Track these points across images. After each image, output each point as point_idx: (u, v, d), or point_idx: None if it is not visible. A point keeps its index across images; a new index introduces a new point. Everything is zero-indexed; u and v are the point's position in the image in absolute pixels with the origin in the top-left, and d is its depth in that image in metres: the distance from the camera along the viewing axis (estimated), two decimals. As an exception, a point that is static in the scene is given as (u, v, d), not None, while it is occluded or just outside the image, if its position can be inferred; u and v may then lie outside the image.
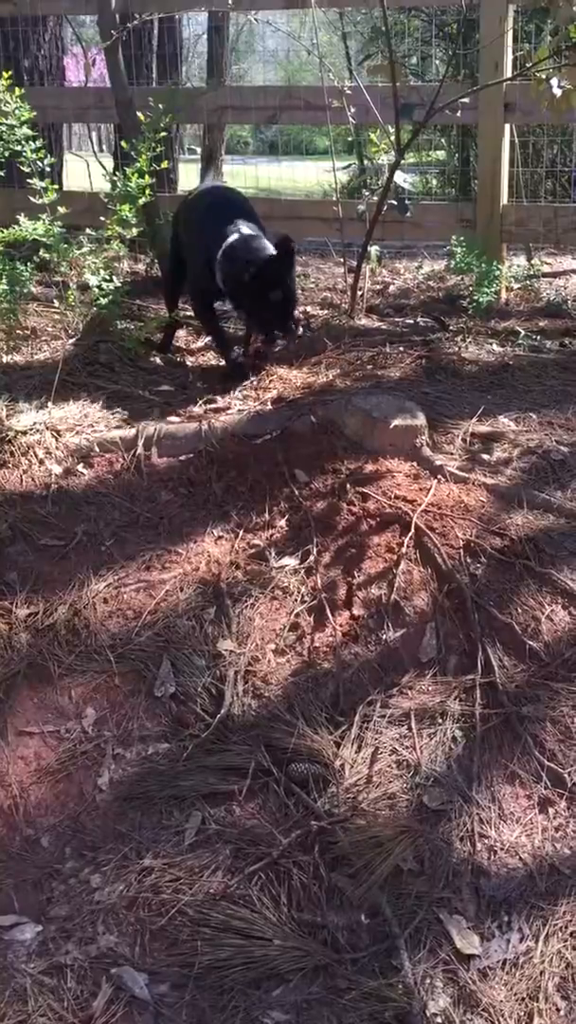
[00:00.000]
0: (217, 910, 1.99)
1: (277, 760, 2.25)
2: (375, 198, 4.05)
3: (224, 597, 2.58)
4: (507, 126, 4.38)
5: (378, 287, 4.80)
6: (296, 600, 2.58)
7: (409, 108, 3.72)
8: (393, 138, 3.82)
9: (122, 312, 3.85)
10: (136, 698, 2.40)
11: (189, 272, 3.69)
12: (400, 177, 3.84)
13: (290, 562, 2.67)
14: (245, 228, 3.41)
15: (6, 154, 3.70)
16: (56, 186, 3.73)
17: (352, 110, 4.16)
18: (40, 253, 3.72)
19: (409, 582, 2.56)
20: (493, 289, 4.17)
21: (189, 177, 9.65)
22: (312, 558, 2.66)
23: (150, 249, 4.67)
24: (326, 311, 4.35)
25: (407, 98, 3.80)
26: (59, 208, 3.66)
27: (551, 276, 4.99)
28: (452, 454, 2.96)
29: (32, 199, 3.67)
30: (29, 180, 3.66)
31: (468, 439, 3.03)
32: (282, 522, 2.79)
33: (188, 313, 3.89)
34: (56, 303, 3.92)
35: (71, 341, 3.74)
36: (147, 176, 3.69)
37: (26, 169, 3.68)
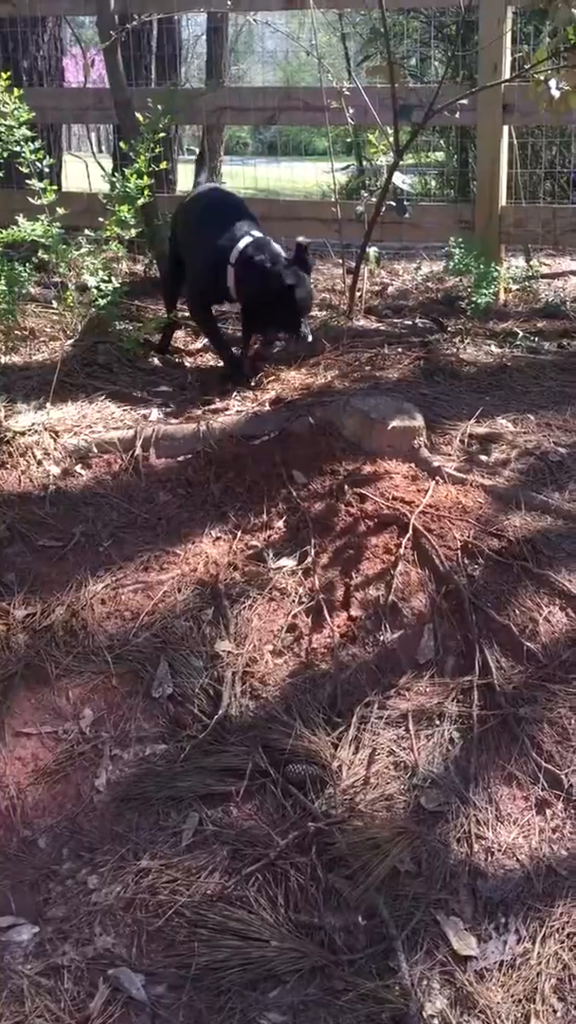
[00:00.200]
0: (214, 911, 2.00)
1: (275, 761, 2.25)
2: (374, 199, 4.05)
3: (222, 598, 2.59)
4: (506, 127, 4.38)
5: (377, 288, 4.80)
6: (294, 601, 2.58)
7: (408, 109, 3.72)
8: (392, 139, 3.82)
9: (120, 313, 3.85)
10: (134, 699, 2.40)
11: (188, 274, 3.69)
12: (399, 178, 3.84)
13: (288, 563, 2.68)
14: (255, 231, 3.41)
15: (5, 155, 3.70)
16: (55, 187, 3.73)
17: (351, 111, 4.16)
18: (39, 254, 3.71)
19: (407, 583, 2.56)
20: (491, 290, 4.17)
21: (188, 178, 9.64)
22: (310, 559, 2.66)
23: (149, 250, 4.66)
24: (324, 312, 4.35)
25: (406, 99, 3.80)
26: (58, 209, 3.66)
27: (550, 277, 4.98)
28: (450, 455, 2.96)
29: (31, 200, 3.66)
30: (28, 181, 3.66)
31: (466, 440, 3.03)
32: (280, 523, 2.79)
33: (187, 314, 3.89)
34: (55, 304, 3.92)
35: (69, 342, 3.74)
36: (146, 177, 3.69)
37: (25, 170, 3.67)
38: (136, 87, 5.15)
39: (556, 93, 3.26)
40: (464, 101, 3.85)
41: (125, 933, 1.99)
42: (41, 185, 3.63)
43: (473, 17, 4.31)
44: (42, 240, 3.63)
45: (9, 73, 3.69)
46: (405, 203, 3.92)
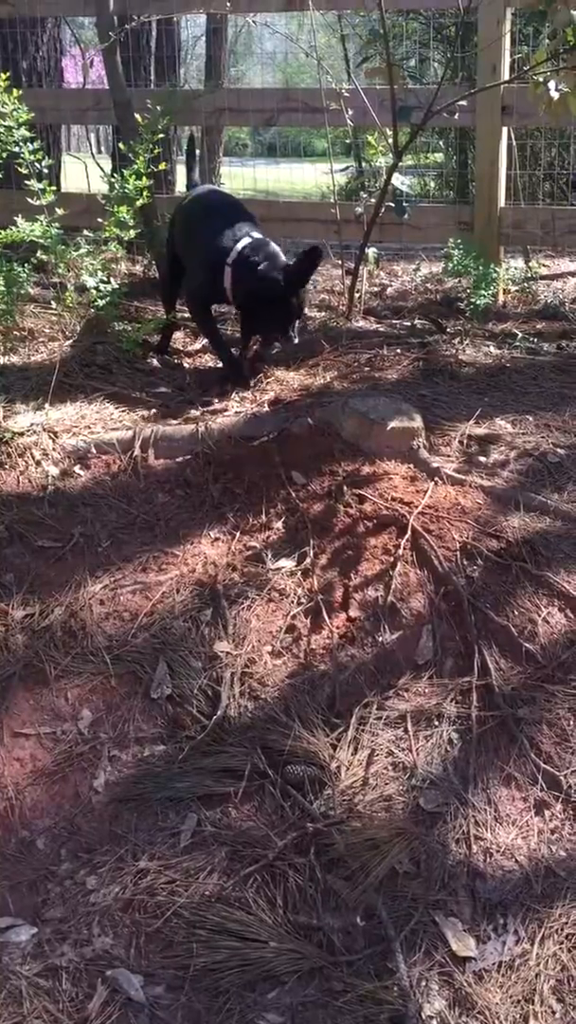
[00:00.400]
0: (212, 912, 1.99)
1: (273, 762, 2.25)
2: (373, 200, 4.05)
3: (221, 599, 2.58)
4: (505, 129, 4.39)
5: (376, 289, 4.80)
6: (292, 602, 2.58)
7: (407, 110, 3.73)
8: (391, 140, 3.83)
9: (119, 313, 3.85)
10: (132, 700, 2.40)
11: (187, 275, 3.69)
12: (398, 179, 3.85)
13: (287, 564, 2.67)
14: (255, 232, 3.42)
15: (4, 155, 3.70)
16: (54, 187, 3.72)
17: (350, 112, 4.17)
18: (38, 254, 3.71)
19: (406, 584, 2.56)
20: (490, 291, 4.17)
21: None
22: (309, 560, 2.66)
23: (148, 250, 4.67)
24: (324, 313, 4.35)
25: (405, 100, 3.80)
26: (57, 209, 3.66)
27: (549, 278, 4.99)
28: (449, 456, 2.96)
29: (30, 200, 3.66)
30: (27, 181, 3.66)
31: (465, 441, 3.03)
32: (279, 524, 2.79)
33: (186, 315, 3.89)
34: (53, 304, 3.92)
35: (68, 342, 3.74)
36: (145, 178, 3.69)
37: (24, 170, 3.67)
38: (135, 88, 5.15)
39: (555, 95, 3.27)
40: (463, 102, 3.85)
41: (124, 934, 1.99)
42: (40, 186, 3.63)
43: (472, 18, 4.31)
44: (41, 241, 3.63)
45: (8, 73, 3.69)
46: (404, 204, 3.92)
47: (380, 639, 2.48)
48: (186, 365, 3.80)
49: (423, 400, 3.21)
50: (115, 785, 2.25)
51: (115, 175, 3.84)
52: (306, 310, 4.32)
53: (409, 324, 4.15)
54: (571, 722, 2.29)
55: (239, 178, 9.19)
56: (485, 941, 1.96)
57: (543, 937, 1.95)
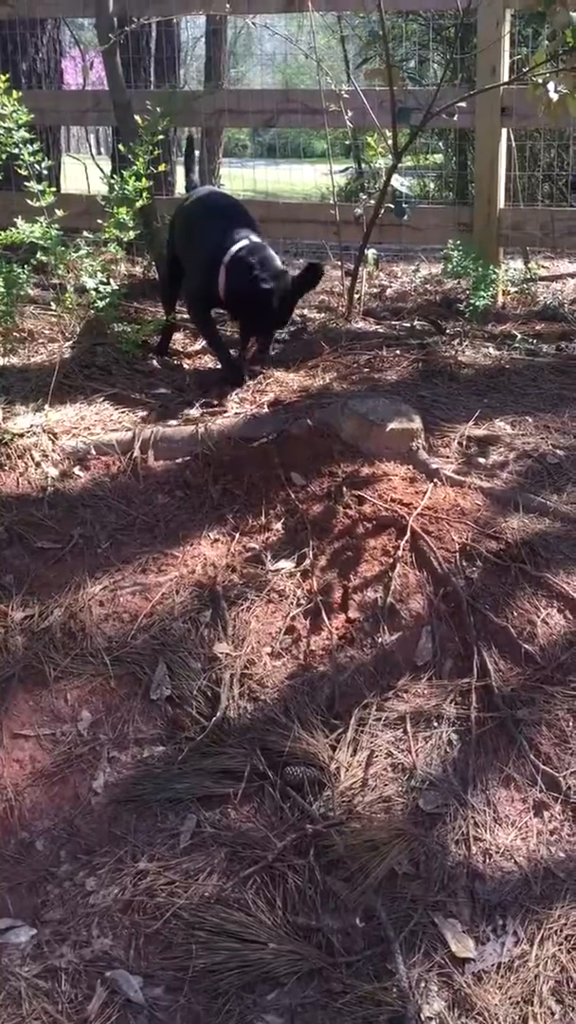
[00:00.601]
0: (212, 913, 1.99)
1: (273, 763, 2.25)
2: (372, 201, 4.06)
3: (220, 600, 2.59)
4: (504, 130, 4.39)
5: (375, 290, 4.80)
6: (292, 603, 2.58)
7: (406, 112, 3.73)
8: (390, 142, 3.83)
9: (119, 315, 3.85)
10: (132, 701, 2.40)
11: (186, 276, 3.69)
12: (397, 181, 3.85)
13: (286, 565, 2.67)
14: (253, 236, 3.42)
15: (4, 156, 3.70)
16: (53, 189, 3.72)
17: (350, 114, 4.17)
18: (37, 255, 3.71)
19: (405, 585, 2.56)
20: (490, 293, 4.18)
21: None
22: (308, 561, 2.66)
23: (147, 252, 4.67)
24: (323, 314, 4.36)
25: (404, 102, 3.81)
26: (56, 211, 3.66)
27: (548, 280, 4.99)
28: (448, 457, 2.96)
29: (29, 202, 3.66)
30: (27, 183, 3.66)
31: (464, 442, 3.03)
32: (278, 525, 2.79)
33: (185, 316, 3.89)
34: (53, 305, 3.92)
35: (68, 344, 3.74)
36: (144, 179, 3.69)
37: (24, 172, 3.67)
38: (135, 89, 5.15)
39: (554, 96, 3.27)
40: (463, 104, 3.85)
41: (123, 935, 1.99)
42: (40, 187, 3.63)
43: (471, 20, 4.31)
44: (41, 242, 3.63)
45: (8, 75, 3.69)
46: (404, 205, 3.92)
47: (379, 640, 2.48)
48: (186, 366, 3.80)
49: (422, 401, 3.21)
50: (114, 786, 2.25)
51: (115, 176, 3.85)
52: (305, 311, 4.34)
53: (408, 325, 4.16)
54: (570, 723, 2.30)
55: (239, 179, 9.19)
56: (484, 942, 1.96)
57: (542, 938, 1.95)
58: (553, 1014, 1.84)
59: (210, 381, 3.52)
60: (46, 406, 3.22)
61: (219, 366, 3.61)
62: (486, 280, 4.16)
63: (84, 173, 5.31)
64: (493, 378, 3.51)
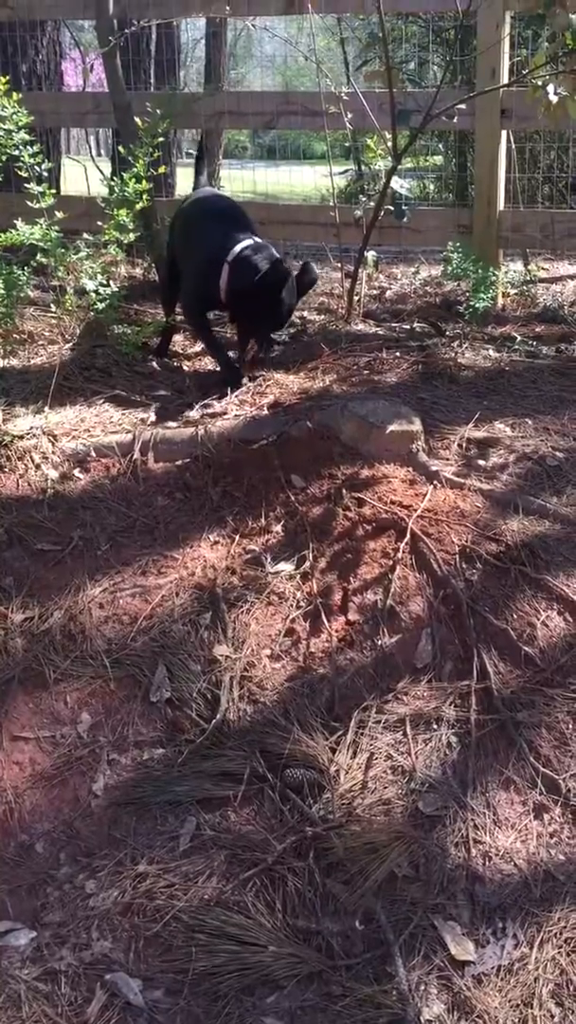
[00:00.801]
0: (212, 916, 1.99)
1: (272, 766, 2.25)
2: (372, 203, 4.06)
3: (220, 602, 2.58)
4: (504, 132, 4.39)
5: (375, 292, 4.81)
6: (292, 605, 2.58)
7: (406, 114, 3.73)
8: (390, 144, 3.83)
9: (119, 316, 3.85)
10: (131, 703, 2.40)
11: (184, 279, 3.70)
12: (397, 183, 3.85)
13: (286, 567, 2.67)
14: (251, 239, 3.43)
15: (4, 158, 3.70)
16: (53, 190, 3.73)
17: (349, 115, 4.17)
18: (37, 257, 3.72)
19: (405, 587, 2.56)
20: (490, 295, 4.18)
21: (187, 181, 9.65)
22: (308, 563, 2.66)
23: (147, 253, 4.67)
24: (323, 316, 4.36)
25: (404, 104, 3.81)
26: (56, 212, 3.66)
27: (548, 282, 5.00)
28: (448, 459, 2.96)
29: (29, 203, 3.67)
30: (27, 185, 3.67)
31: (464, 444, 3.03)
32: (278, 527, 2.79)
33: (186, 317, 3.90)
34: (53, 307, 3.92)
35: (68, 345, 3.74)
36: (144, 181, 3.70)
37: (24, 174, 3.68)
38: (135, 91, 5.16)
39: (554, 98, 3.27)
40: (462, 106, 3.85)
41: (123, 938, 1.99)
42: (40, 189, 3.63)
43: (471, 22, 4.31)
44: (41, 244, 3.63)
45: (8, 77, 3.70)
46: (403, 207, 3.92)
47: (379, 643, 2.48)
48: (186, 368, 3.80)
49: (422, 403, 3.21)
50: (114, 789, 2.25)
51: (115, 178, 3.85)
52: (305, 313, 4.34)
53: (408, 327, 4.16)
54: (570, 726, 2.30)
55: (239, 181, 9.19)
56: (484, 945, 1.96)
57: (542, 941, 1.95)
58: (553, 1017, 1.84)
59: (210, 383, 3.52)
60: (46, 408, 3.22)
61: (218, 368, 3.61)
62: (486, 282, 4.16)
63: (84, 175, 5.32)
64: (493, 380, 3.51)
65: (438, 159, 8.33)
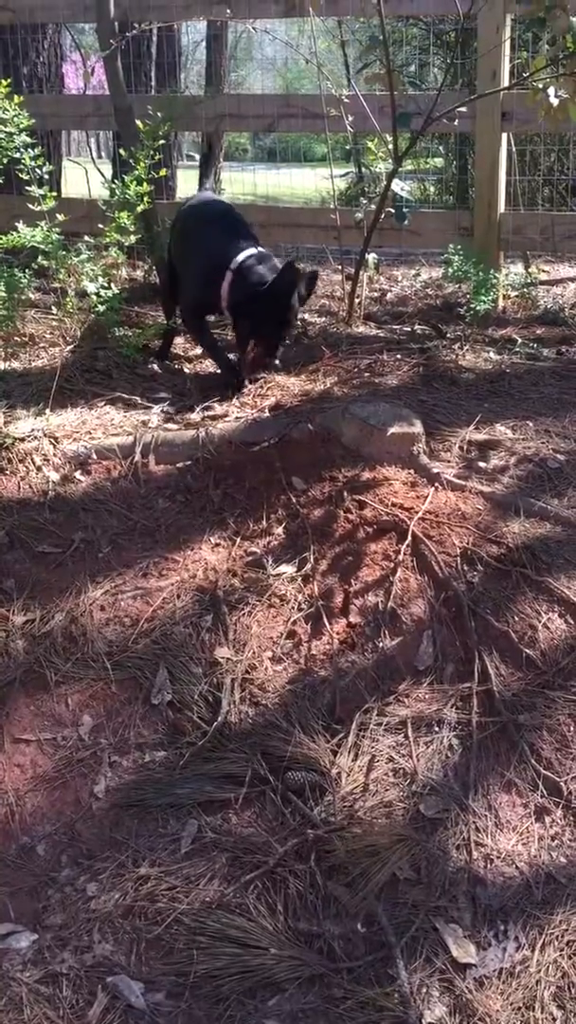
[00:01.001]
0: (213, 919, 1.99)
1: (274, 768, 2.25)
2: (373, 206, 4.06)
3: (221, 605, 2.59)
4: (504, 135, 4.39)
5: (376, 294, 4.81)
6: (293, 608, 2.58)
7: (406, 117, 3.73)
8: (391, 146, 3.83)
9: (120, 319, 3.85)
10: (133, 706, 2.40)
11: (182, 285, 3.70)
12: (398, 185, 3.85)
13: (287, 570, 2.68)
14: (256, 247, 3.43)
15: (5, 161, 3.70)
16: (54, 193, 3.73)
17: (350, 118, 4.18)
18: (38, 260, 3.72)
19: (406, 590, 2.56)
20: (490, 297, 4.18)
21: (188, 184, 9.66)
22: (309, 566, 2.66)
23: (148, 256, 4.68)
24: (324, 318, 4.36)
25: (404, 107, 3.81)
26: (57, 215, 3.66)
27: (548, 284, 5.00)
28: (449, 462, 2.96)
29: (31, 206, 3.67)
30: (28, 187, 3.67)
31: (465, 447, 3.03)
32: (279, 529, 2.79)
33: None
34: (54, 310, 3.92)
35: (69, 348, 3.74)
36: (145, 183, 3.70)
37: (25, 176, 3.68)
38: (136, 94, 5.16)
39: (554, 101, 3.28)
40: (463, 108, 3.86)
41: (124, 940, 1.99)
42: (41, 192, 3.64)
43: (472, 24, 4.32)
44: (42, 246, 3.63)
45: (9, 80, 3.70)
46: (404, 210, 3.92)
47: (380, 645, 2.48)
48: (187, 371, 3.80)
49: (423, 406, 3.21)
50: (116, 791, 2.25)
51: (116, 181, 3.85)
52: (306, 315, 4.34)
53: (409, 329, 4.16)
54: (571, 728, 2.29)
55: (239, 183, 9.19)
56: (486, 948, 1.96)
57: (544, 944, 1.95)
58: (555, 1020, 1.84)
59: (211, 385, 3.52)
60: (47, 410, 3.22)
61: (219, 371, 3.61)
62: (486, 284, 4.16)
63: (85, 177, 5.32)
64: (494, 382, 3.51)
65: (439, 161, 8.33)
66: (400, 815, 2.16)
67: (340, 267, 4.66)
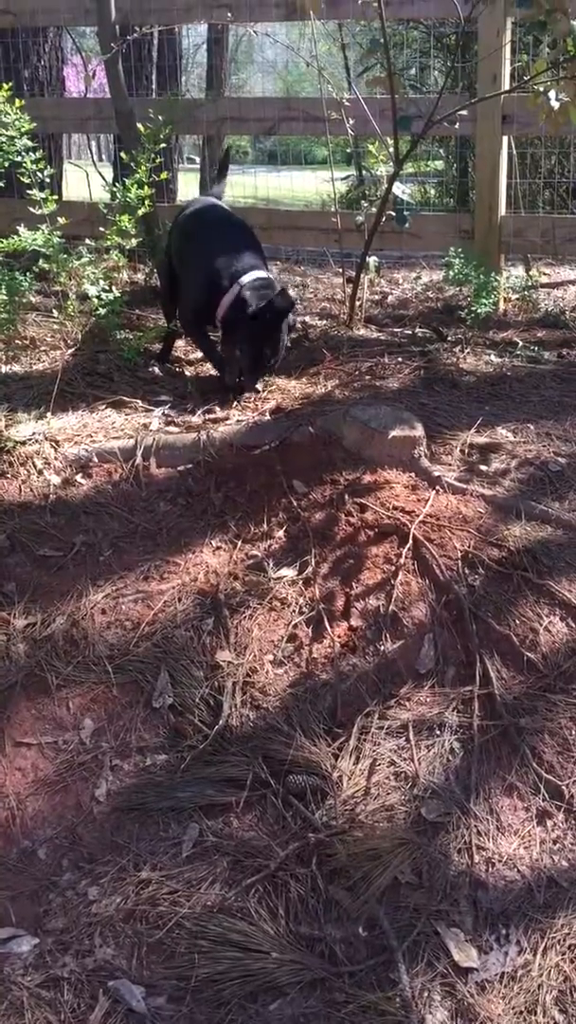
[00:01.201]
0: (214, 923, 1.99)
1: (275, 771, 2.25)
2: (373, 209, 4.06)
3: (222, 608, 2.58)
4: (505, 137, 4.40)
5: (376, 297, 4.81)
6: (294, 611, 2.58)
7: (407, 120, 3.73)
8: (391, 149, 3.84)
9: (121, 322, 3.85)
10: (134, 709, 2.40)
11: (183, 293, 3.70)
12: (398, 189, 3.85)
13: (288, 573, 2.67)
14: (260, 270, 3.42)
15: (6, 164, 3.71)
16: (55, 196, 3.73)
17: (351, 121, 4.18)
18: (39, 263, 3.72)
19: (407, 593, 2.56)
20: (491, 300, 4.18)
21: (188, 187, 9.67)
22: (310, 569, 2.66)
23: (149, 259, 4.68)
24: (324, 321, 4.36)
25: (405, 110, 3.81)
26: (58, 218, 3.67)
27: (549, 287, 5.00)
28: (450, 465, 2.96)
29: (32, 209, 3.67)
30: (29, 191, 3.67)
31: (466, 450, 3.03)
32: (280, 533, 2.79)
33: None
34: (55, 313, 3.93)
35: (70, 351, 3.74)
36: (146, 187, 3.71)
37: (26, 180, 3.68)
38: (137, 97, 5.17)
39: (555, 104, 3.28)
40: (464, 112, 3.86)
41: (125, 944, 1.99)
42: (42, 195, 3.64)
43: (472, 28, 4.32)
44: (43, 249, 3.64)
45: (11, 84, 3.70)
46: (404, 213, 3.93)
47: (381, 648, 2.48)
48: (187, 373, 3.80)
49: (424, 409, 3.21)
50: (117, 795, 2.25)
51: (117, 184, 3.85)
52: (307, 319, 4.35)
53: (410, 332, 4.16)
54: (573, 732, 2.29)
55: (240, 186, 9.19)
56: (487, 951, 1.96)
57: (545, 947, 1.95)
58: (556, 1024, 1.84)
59: (212, 389, 3.52)
60: (48, 413, 3.22)
61: (219, 374, 3.61)
62: (487, 287, 4.16)
63: (86, 180, 5.33)
64: (495, 385, 3.51)
65: (439, 164, 8.34)
66: (401, 819, 2.16)
67: (341, 270, 4.66)
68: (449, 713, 2.34)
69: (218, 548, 2.77)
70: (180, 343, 4.05)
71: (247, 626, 2.55)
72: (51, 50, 6.05)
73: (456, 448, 3.03)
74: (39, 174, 3.66)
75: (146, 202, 3.73)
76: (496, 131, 4.32)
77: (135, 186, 3.68)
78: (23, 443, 3.05)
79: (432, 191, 7.97)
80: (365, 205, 4.25)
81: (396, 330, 4.21)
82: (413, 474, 2.89)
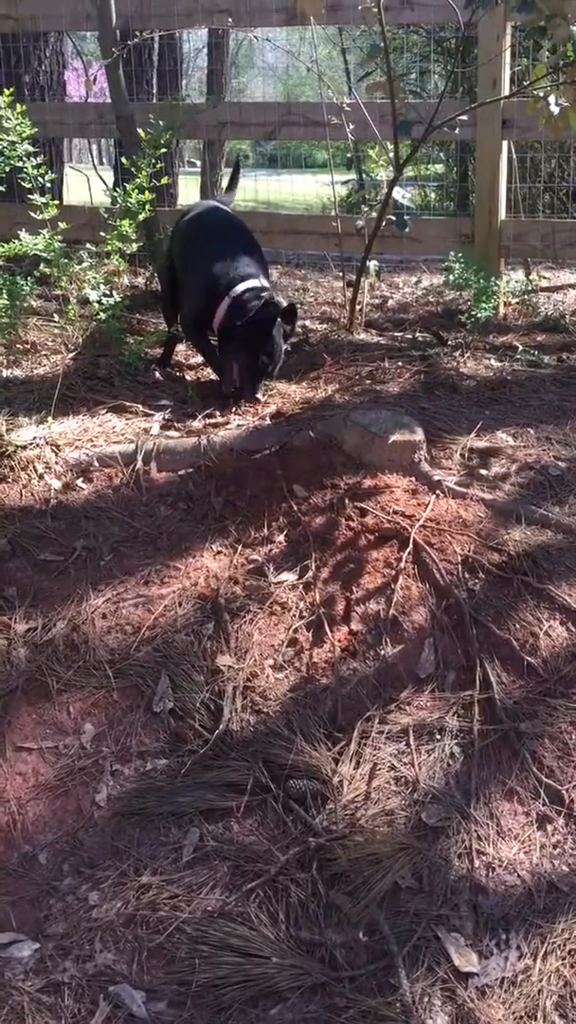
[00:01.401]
0: (215, 927, 1.99)
1: (275, 776, 2.25)
2: (374, 214, 4.07)
3: (223, 612, 2.59)
4: (505, 142, 4.41)
5: (377, 301, 4.81)
6: (294, 615, 2.59)
7: (407, 125, 3.74)
8: (392, 154, 3.84)
9: (122, 326, 3.86)
10: (134, 714, 2.40)
11: (183, 298, 3.71)
12: (399, 193, 3.86)
13: (288, 577, 2.68)
14: (262, 279, 3.42)
15: (7, 169, 3.72)
16: (56, 201, 3.74)
17: (351, 126, 4.19)
18: (40, 267, 3.73)
19: (407, 597, 2.57)
20: (491, 304, 4.19)
21: (189, 191, 9.69)
22: (311, 573, 2.66)
23: (150, 264, 4.69)
24: (325, 325, 4.37)
25: (405, 115, 3.82)
26: (59, 223, 3.68)
27: (549, 291, 5.00)
28: (450, 469, 2.97)
29: (33, 214, 3.68)
30: (30, 195, 3.68)
31: (466, 454, 3.04)
32: (281, 537, 2.79)
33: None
34: (56, 317, 3.93)
35: (71, 355, 3.75)
36: (147, 191, 3.71)
37: (27, 184, 3.69)
38: (137, 101, 5.18)
39: (555, 109, 3.29)
40: (464, 116, 3.87)
41: (126, 949, 1.99)
42: (43, 200, 3.65)
43: (473, 32, 4.33)
44: (44, 254, 3.65)
45: (12, 88, 3.71)
46: (405, 217, 3.93)
47: (382, 652, 2.48)
48: (188, 378, 3.81)
49: (424, 413, 3.22)
50: (117, 799, 2.25)
51: (117, 188, 3.86)
52: (307, 323, 4.35)
53: (410, 336, 4.16)
54: (573, 736, 2.29)
55: (241, 189, 9.18)
56: (488, 956, 1.96)
57: (546, 952, 1.95)
58: (557, 1029, 1.84)
59: (212, 393, 3.53)
60: (49, 418, 3.23)
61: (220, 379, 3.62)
62: (487, 291, 4.17)
63: (87, 184, 5.34)
64: (495, 389, 3.51)
65: (439, 168, 8.35)
66: (402, 823, 2.16)
67: (341, 274, 4.67)
68: (449, 717, 2.34)
69: (218, 552, 2.77)
70: (181, 347, 4.06)
71: (247, 630, 2.55)
72: (52, 55, 6.06)
73: (456, 452, 3.04)
74: (40, 179, 3.66)
75: (147, 207, 3.74)
76: (496, 135, 4.32)
77: (136, 191, 3.69)
78: (24, 447, 3.05)
79: (432, 195, 7.98)
80: (365, 209, 4.26)
81: (396, 334, 4.22)
82: (413, 478, 2.89)
